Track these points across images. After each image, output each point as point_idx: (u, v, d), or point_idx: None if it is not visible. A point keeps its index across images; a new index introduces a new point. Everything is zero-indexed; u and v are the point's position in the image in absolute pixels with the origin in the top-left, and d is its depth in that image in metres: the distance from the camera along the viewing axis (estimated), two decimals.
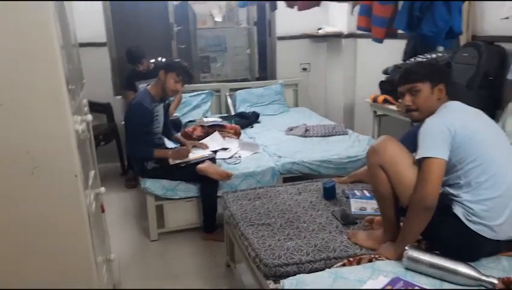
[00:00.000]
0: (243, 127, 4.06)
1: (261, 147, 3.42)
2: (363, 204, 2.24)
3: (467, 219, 1.63)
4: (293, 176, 3.12)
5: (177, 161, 2.79)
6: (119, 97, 4.38)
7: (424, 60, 3.11)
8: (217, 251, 2.76)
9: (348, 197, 2.37)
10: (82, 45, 4.25)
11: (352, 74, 4.64)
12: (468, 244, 1.66)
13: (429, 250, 1.70)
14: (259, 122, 4.30)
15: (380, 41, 2.90)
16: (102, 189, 1.86)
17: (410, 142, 2.55)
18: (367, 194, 2.41)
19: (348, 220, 2.09)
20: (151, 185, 2.81)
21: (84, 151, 1.69)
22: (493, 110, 2.86)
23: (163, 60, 2.97)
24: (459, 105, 1.81)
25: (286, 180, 3.12)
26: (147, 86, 2.89)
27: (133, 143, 2.78)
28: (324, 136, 3.68)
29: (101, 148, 3.91)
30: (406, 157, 1.76)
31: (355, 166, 3.14)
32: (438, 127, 1.68)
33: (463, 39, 3.09)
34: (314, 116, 4.48)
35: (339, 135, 3.71)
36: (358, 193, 2.41)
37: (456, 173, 1.67)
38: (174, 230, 2.96)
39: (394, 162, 1.75)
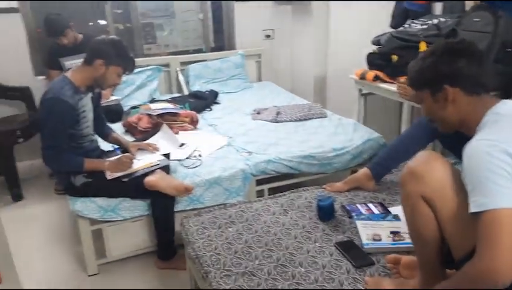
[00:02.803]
0: (200, 110, 3.35)
1: (226, 139, 2.75)
2: (375, 229, 1.67)
3: None
4: (268, 177, 2.50)
5: (117, 174, 2.06)
6: (42, 78, 3.49)
7: (424, 26, 2.53)
8: (177, 285, 2.13)
9: (351, 217, 1.80)
10: None
11: (323, 41, 3.99)
12: None
13: None
14: (218, 103, 3.60)
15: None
16: None
17: (423, 136, 2.02)
18: (374, 209, 1.85)
19: (362, 261, 1.51)
20: (82, 206, 2.08)
21: None
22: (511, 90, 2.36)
23: (103, 38, 2.09)
24: None
25: (259, 182, 2.51)
26: (65, 71, 2.09)
27: (52, 152, 2.01)
28: (299, 120, 3.06)
29: (20, 145, 3.08)
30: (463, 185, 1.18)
31: (343, 161, 2.57)
32: (498, 156, 1.06)
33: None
34: (282, 93, 3.84)
35: (316, 117, 3.10)
36: (362, 210, 1.84)
37: None
38: (119, 259, 2.28)
39: (446, 194, 1.16)
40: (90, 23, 3.87)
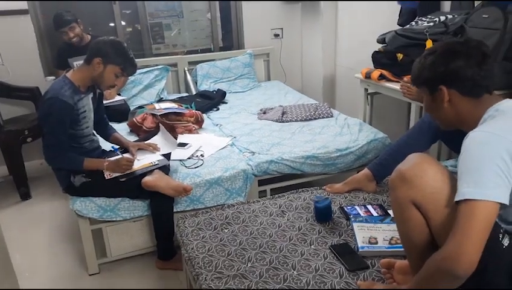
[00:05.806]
0: (206, 110, 3.35)
1: (229, 139, 2.73)
2: (371, 232, 1.63)
3: None
4: (272, 177, 2.47)
5: (116, 174, 2.07)
6: (52, 78, 3.52)
7: (431, 23, 2.46)
8: (177, 286, 2.12)
9: (348, 219, 1.76)
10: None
11: (332, 40, 3.94)
12: None
13: None
14: (225, 103, 3.59)
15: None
16: None
17: (426, 136, 1.96)
18: (372, 211, 1.81)
19: (355, 265, 1.48)
20: (82, 206, 2.09)
21: None
22: None
23: (103, 38, 2.07)
24: None
25: (261, 182, 2.48)
26: (66, 71, 2.10)
27: (53, 151, 2.03)
28: (305, 120, 3.02)
29: (28, 145, 3.13)
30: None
31: (346, 161, 2.53)
32: (491, 148, 1.05)
33: None
34: (290, 92, 3.80)
35: (322, 117, 3.05)
36: (361, 212, 1.80)
37: None
38: (120, 258, 2.28)
39: (439, 199, 1.12)
40: (111, 25, 3.87)
